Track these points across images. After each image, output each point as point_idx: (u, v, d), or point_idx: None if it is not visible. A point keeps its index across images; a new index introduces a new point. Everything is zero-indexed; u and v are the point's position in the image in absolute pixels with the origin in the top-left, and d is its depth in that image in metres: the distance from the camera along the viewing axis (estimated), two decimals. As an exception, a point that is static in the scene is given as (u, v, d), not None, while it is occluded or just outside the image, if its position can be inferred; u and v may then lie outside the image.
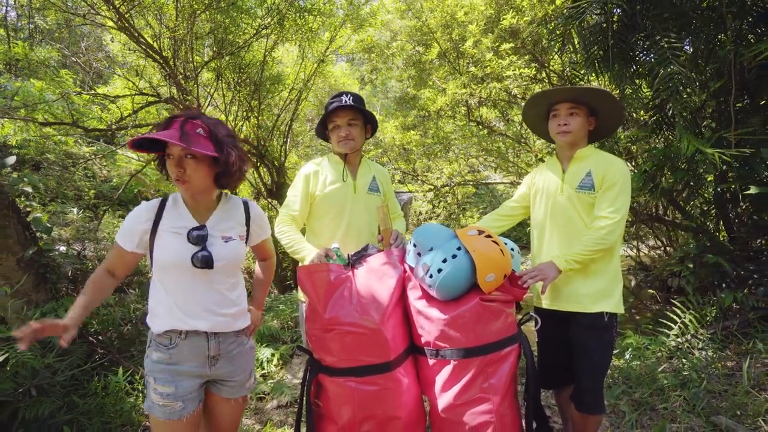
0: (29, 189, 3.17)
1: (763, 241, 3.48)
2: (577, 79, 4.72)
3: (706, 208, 3.93)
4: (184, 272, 1.40)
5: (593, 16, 3.05)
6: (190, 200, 1.48)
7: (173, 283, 1.42)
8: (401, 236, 1.95)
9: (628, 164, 4.69)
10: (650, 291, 5.32)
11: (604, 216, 1.71)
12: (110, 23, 4.86)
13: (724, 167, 3.05)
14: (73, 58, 7.30)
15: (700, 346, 2.90)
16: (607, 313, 1.74)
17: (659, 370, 2.75)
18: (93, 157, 6.50)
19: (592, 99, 1.80)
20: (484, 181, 8.71)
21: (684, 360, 2.76)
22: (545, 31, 3.55)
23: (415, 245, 1.72)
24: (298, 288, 2.01)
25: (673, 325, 3.25)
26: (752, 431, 2.06)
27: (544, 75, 5.81)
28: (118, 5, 4.48)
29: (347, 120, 1.95)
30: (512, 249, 1.79)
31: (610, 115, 1.85)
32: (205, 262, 1.39)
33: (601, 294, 1.75)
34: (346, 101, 1.92)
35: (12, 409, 2.29)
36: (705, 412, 2.27)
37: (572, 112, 1.80)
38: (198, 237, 1.40)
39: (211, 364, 1.45)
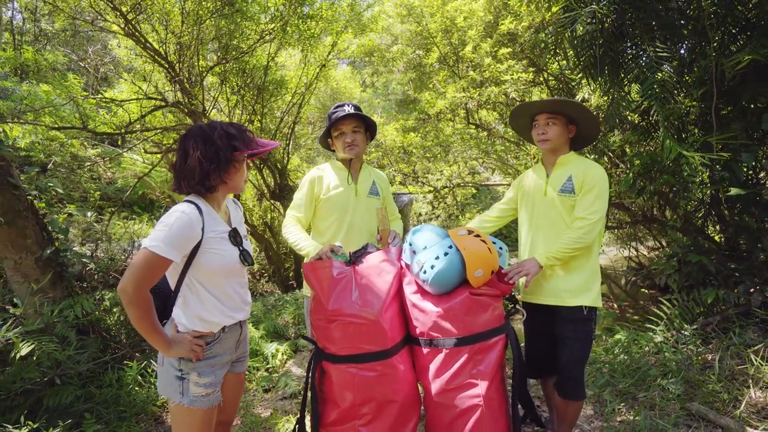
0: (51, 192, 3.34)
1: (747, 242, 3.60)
2: (571, 84, 4.87)
3: (691, 210, 4.07)
4: (232, 272, 1.53)
5: (585, 25, 3.18)
6: (218, 205, 1.57)
7: (221, 285, 1.49)
8: (398, 236, 2.11)
9: (622, 166, 4.82)
10: (644, 290, 5.45)
11: (582, 217, 1.86)
12: (116, 28, 5.01)
13: (708, 170, 3.19)
14: (80, 63, 7.46)
15: (684, 340, 3.05)
16: (586, 306, 1.89)
17: (642, 362, 2.90)
18: (102, 159, 6.65)
19: (568, 109, 1.95)
20: (483, 183, 8.83)
21: (667, 354, 2.91)
22: (542, 36, 3.70)
23: (410, 244, 1.86)
24: (304, 284, 2.17)
25: (659, 322, 3.40)
26: (721, 416, 2.22)
27: (541, 79, 5.94)
28: (125, 11, 4.64)
29: (352, 127, 2.10)
30: (500, 248, 1.94)
31: (588, 123, 2.00)
32: (249, 258, 1.56)
33: (580, 289, 1.90)
34: (349, 110, 2.07)
35: (35, 397, 2.45)
36: (681, 400, 2.43)
37: (549, 122, 1.96)
38: (237, 237, 1.55)
39: (237, 347, 1.62)
